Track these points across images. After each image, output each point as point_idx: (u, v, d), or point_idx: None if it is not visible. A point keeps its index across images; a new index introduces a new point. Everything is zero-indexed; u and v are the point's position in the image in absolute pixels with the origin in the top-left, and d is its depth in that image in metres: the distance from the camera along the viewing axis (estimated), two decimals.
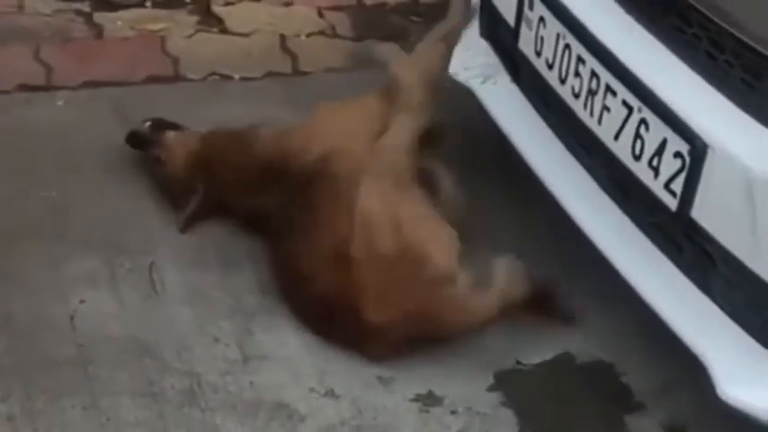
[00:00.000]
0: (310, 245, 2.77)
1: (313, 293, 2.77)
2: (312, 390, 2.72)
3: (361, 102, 3.03)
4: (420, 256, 2.71)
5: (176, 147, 3.12)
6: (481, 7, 3.26)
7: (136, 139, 3.18)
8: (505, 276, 2.84)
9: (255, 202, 2.96)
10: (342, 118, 2.97)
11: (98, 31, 3.81)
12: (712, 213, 2.48)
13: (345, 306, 2.69)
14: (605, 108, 2.71)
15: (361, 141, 2.88)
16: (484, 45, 3.27)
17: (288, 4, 4.08)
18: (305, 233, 2.79)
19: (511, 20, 3.03)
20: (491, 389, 2.78)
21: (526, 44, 2.98)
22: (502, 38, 3.16)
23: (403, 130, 2.92)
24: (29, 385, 2.60)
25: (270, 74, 3.73)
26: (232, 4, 4.04)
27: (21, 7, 3.86)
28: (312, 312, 2.81)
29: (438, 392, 2.75)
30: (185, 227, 3.07)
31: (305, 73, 3.75)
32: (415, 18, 4.14)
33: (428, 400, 2.73)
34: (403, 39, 3.99)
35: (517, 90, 3.15)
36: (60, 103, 3.49)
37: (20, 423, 2.53)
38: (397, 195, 2.77)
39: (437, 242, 2.76)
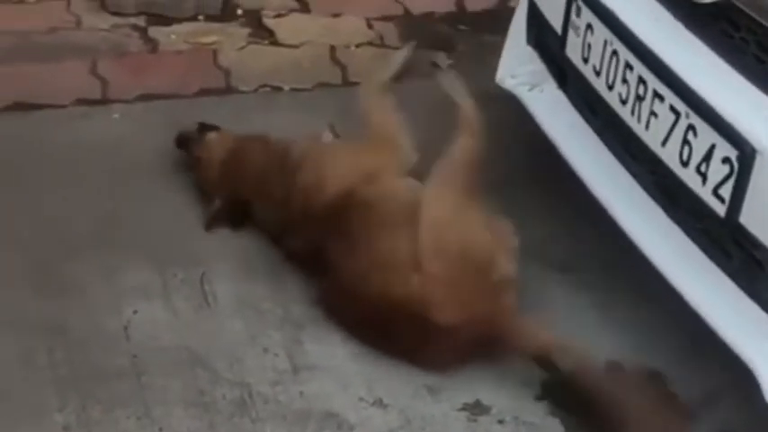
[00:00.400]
0: (358, 261, 2.79)
1: (369, 305, 2.77)
2: (361, 399, 2.74)
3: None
4: (486, 260, 2.75)
5: (214, 146, 3.20)
6: (528, 15, 3.27)
7: (182, 140, 3.28)
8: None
9: (278, 214, 3.02)
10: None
11: (153, 45, 3.88)
12: (761, 219, 2.46)
13: (409, 313, 2.69)
14: (653, 114, 2.71)
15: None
16: (530, 52, 3.29)
17: (337, 16, 4.12)
18: (351, 250, 2.81)
19: (558, 27, 3.04)
20: (538, 398, 2.78)
21: (573, 51, 2.98)
22: (549, 45, 3.17)
23: (464, 148, 2.96)
24: (84, 395, 2.66)
25: (320, 84, 3.78)
26: (282, 16, 4.09)
27: (78, 23, 3.94)
28: (368, 325, 2.81)
29: (485, 402, 2.76)
30: (209, 227, 3.14)
31: (354, 83, 3.78)
32: (462, 27, 4.15)
33: (476, 410, 2.75)
34: (450, 48, 4.01)
35: (564, 97, 3.15)
36: (116, 116, 3.56)
37: None
38: (460, 203, 2.81)
39: (501, 248, 2.81)
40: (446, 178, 2.87)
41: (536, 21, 3.21)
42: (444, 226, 2.76)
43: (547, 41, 3.17)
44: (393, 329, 2.75)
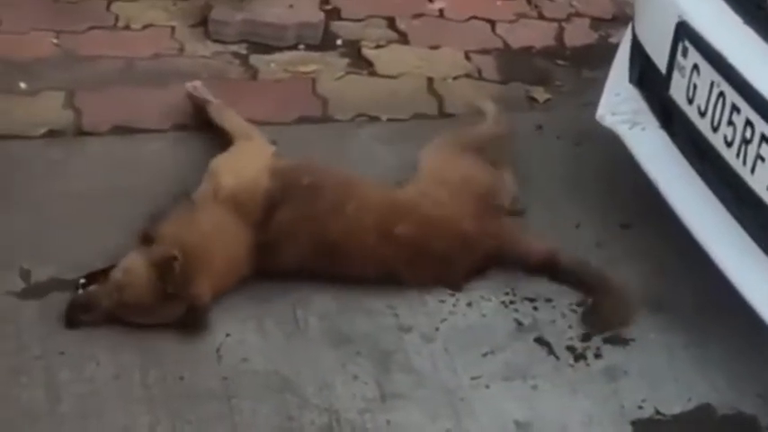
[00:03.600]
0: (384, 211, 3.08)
1: (398, 241, 3.02)
2: (448, 431, 2.74)
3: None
4: (487, 188, 3.22)
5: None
6: (631, 53, 3.25)
7: None
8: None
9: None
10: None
11: (253, 73, 3.94)
12: None
13: (438, 229, 3.04)
14: (759, 157, 2.66)
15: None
16: (632, 91, 3.26)
17: (435, 47, 4.14)
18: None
19: (663, 67, 3.01)
20: None
21: (677, 91, 2.96)
22: (652, 84, 3.14)
23: (484, 128, 3.45)
24: (175, 416, 2.69)
25: (416, 115, 3.79)
26: (381, 47, 4.12)
27: (181, 50, 4.01)
28: (398, 257, 3.03)
29: None
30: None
31: (450, 115, 3.79)
32: (560, 62, 4.14)
33: None
34: (547, 82, 4.00)
35: (666, 137, 3.12)
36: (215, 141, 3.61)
37: None
38: (460, 151, 3.30)
39: (500, 182, 3.29)
40: (456, 137, 3.35)
41: (639, 59, 3.18)
42: (446, 160, 3.25)
43: (650, 80, 3.14)
44: (421, 254, 3.03)
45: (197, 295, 2.87)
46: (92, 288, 2.90)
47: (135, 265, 2.90)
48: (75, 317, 2.86)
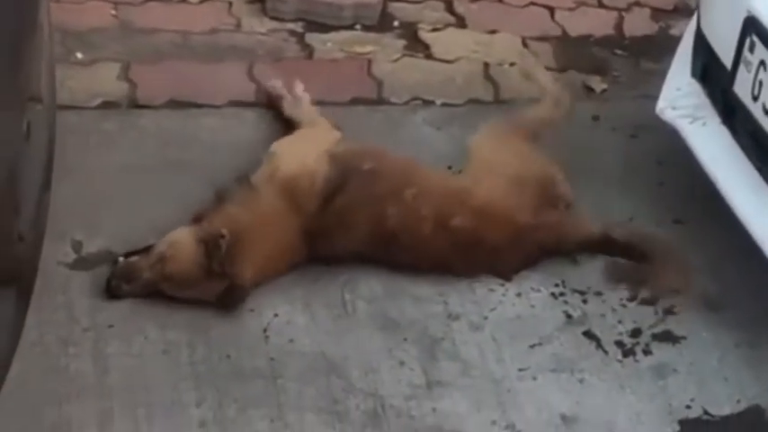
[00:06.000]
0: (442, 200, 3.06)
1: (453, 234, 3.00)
2: (494, 423, 2.72)
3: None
4: (544, 179, 3.18)
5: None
6: (694, 47, 3.20)
7: None
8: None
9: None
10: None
11: (309, 52, 3.92)
12: None
13: (493, 220, 3.02)
14: None
15: None
16: (694, 85, 3.21)
17: (493, 32, 4.10)
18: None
19: (728, 62, 2.95)
20: None
21: (742, 87, 2.90)
22: (716, 79, 3.09)
23: (540, 111, 3.37)
24: (221, 394, 2.70)
25: (471, 101, 3.76)
26: (438, 30, 4.09)
27: (238, 25, 4.00)
28: (453, 248, 3.01)
29: None
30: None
31: (505, 101, 3.75)
32: (619, 52, 4.09)
33: None
34: (605, 72, 3.95)
35: (727, 133, 3.07)
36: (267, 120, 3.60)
37: (210, 430, 2.62)
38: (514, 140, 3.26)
39: (556, 174, 3.22)
40: (510, 123, 3.31)
41: (703, 53, 3.13)
42: (499, 148, 3.21)
43: (714, 75, 3.09)
44: (476, 245, 3.02)
45: (239, 276, 2.87)
46: (133, 258, 2.91)
47: (181, 239, 2.90)
48: (117, 287, 2.87)
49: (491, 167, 3.17)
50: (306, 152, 3.14)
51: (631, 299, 3.07)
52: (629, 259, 3.13)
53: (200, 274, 2.86)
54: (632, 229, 3.20)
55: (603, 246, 3.14)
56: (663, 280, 3.09)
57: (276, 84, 3.58)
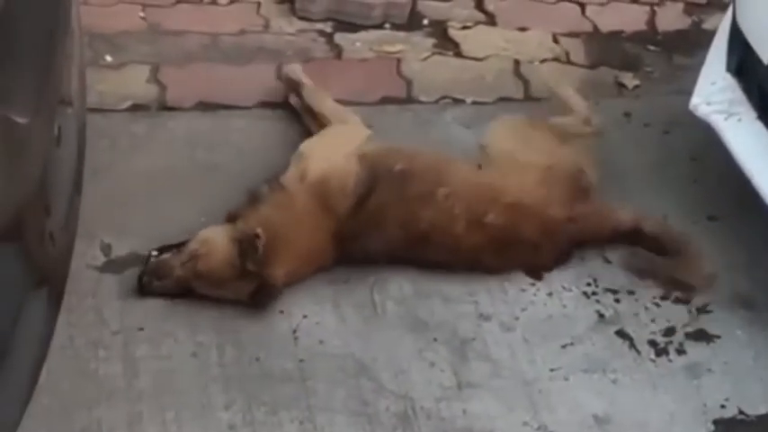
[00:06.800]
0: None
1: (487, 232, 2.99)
2: (525, 424, 2.69)
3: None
4: (573, 169, 3.14)
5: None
6: (729, 41, 3.15)
7: None
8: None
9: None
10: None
11: (338, 52, 3.90)
12: None
13: (526, 216, 3.00)
14: None
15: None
16: (729, 80, 3.15)
17: (523, 29, 4.07)
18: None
19: (765, 56, 2.90)
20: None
21: None
22: (752, 74, 3.04)
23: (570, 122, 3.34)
24: (250, 396, 2.69)
25: (501, 99, 3.73)
26: (468, 28, 4.06)
27: (266, 26, 3.99)
28: (486, 246, 3.00)
29: None
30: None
31: (536, 99, 3.72)
32: (651, 47, 4.04)
33: None
34: (637, 68, 3.91)
35: (763, 128, 3.02)
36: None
37: None
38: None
39: (583, 161, 3.19)
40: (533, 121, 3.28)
41: (739, 47, 3.07)
42: (522, 140, 3.19)
43: (750, 70, 3.03)
44: (509, 242, 3.00)
45: (272, 276, 2.86)
46: (166, 255, 2.91)
47: (215, 237, 2.90)
48: (149, 283, 2.87)
49: (515, 159, 3.14)
50: (335, 152, 3.12)
51: (664, 297, 3.04)
52: (656, 253, 3.10)
53: (232, 273, 2.85)
54: (663, 223, 3.17)
55: (634, 237, 3.12)
56: (688, 275, 3.06)
57: (295, 68, 3.57)
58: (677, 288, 3.05)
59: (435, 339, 2.88)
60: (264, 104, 3.60)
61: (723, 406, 2.77)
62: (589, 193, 3.15)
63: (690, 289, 3.05)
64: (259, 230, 2.85)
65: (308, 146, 3.21)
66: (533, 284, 3.05)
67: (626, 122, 3.64)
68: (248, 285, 2.87)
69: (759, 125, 3.04)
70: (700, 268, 3.08)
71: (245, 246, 2.84)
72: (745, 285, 3.07)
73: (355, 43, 3.94)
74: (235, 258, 2.85)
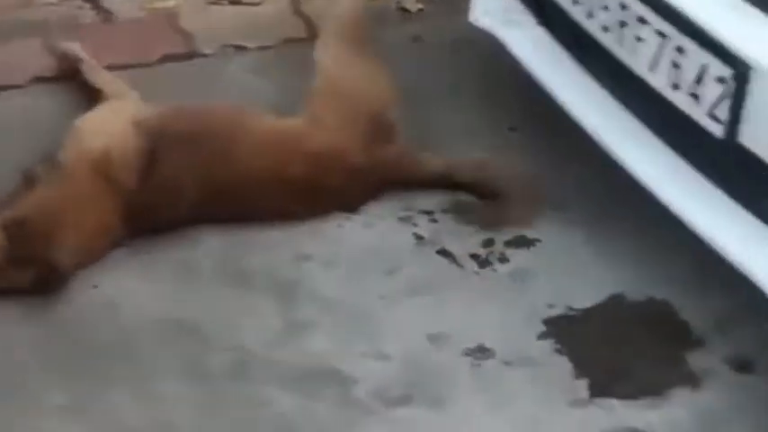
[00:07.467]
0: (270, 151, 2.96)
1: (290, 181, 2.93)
2: (364, 354, 2.66)
3: None
4: (379, 108, 3.07)
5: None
6: None
7: None
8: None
9: None
10: None
11: (107, 15, 3.73)
12: (761, 136, 2.40)
13: (329, 165, 2.95)
14: (638, 39, 2.63)
15: None
16: None
17: None
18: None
19: None
20: (542, 337, 2.72)
21: None
22: None
23: (348, 7, 3.28)
24: (76, 376, 2.56)
25: (286, 40, 3.64)
26: None
27: (27, 1, 3.77)
28: (291, 197, 2.94)
29: (489, 345, 2.69)
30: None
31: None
32: None
33: (479, 354, 2.68)
34: None
35: (544, 32, 3.06)
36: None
37: (70, 415, 2.48)
38: (349, 60, 3.16)
39: (388, 96, 3.13)
40: (333, 35, 3.21)
41: None
42: (337, 79, 3.10)
43: None
44: (314, 191, 2.95)
45: (55, 259, 2.71)
46: None
47: None
48: None
49: (332, 91, 3.08)
50: (109, 125, 2.99)
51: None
52: (475, 197, 3.07)
53: (4, 262, 2.69)
54: (477, 165, 3.12)
55: (447, 184, 3.09)
56: (511, 215, 3.04)
57: (73, 46, 3.41)
58: (501, 229, 3.01)
59: (258, 287, 2.81)
60: (40, 80, 3.40)
61: (551, 306, 2.80)
62: (393, 133, 3.11)
63: (511, 225, 3.02)
64: (23, 215, 2.71)
65: (80, 123, 3.05)
66: (349, 219, 3.01)
67: (416, 47, 3.62)
68: (27, 273, 2.71)
69: (540, 30, 3.08)
70: (522, 208, 3.06)
71: (11, 232, 2.69)
72: (556, 192, 3.10)
73: (125, 4, 3.77)
74: (5, 247, 2.69)
